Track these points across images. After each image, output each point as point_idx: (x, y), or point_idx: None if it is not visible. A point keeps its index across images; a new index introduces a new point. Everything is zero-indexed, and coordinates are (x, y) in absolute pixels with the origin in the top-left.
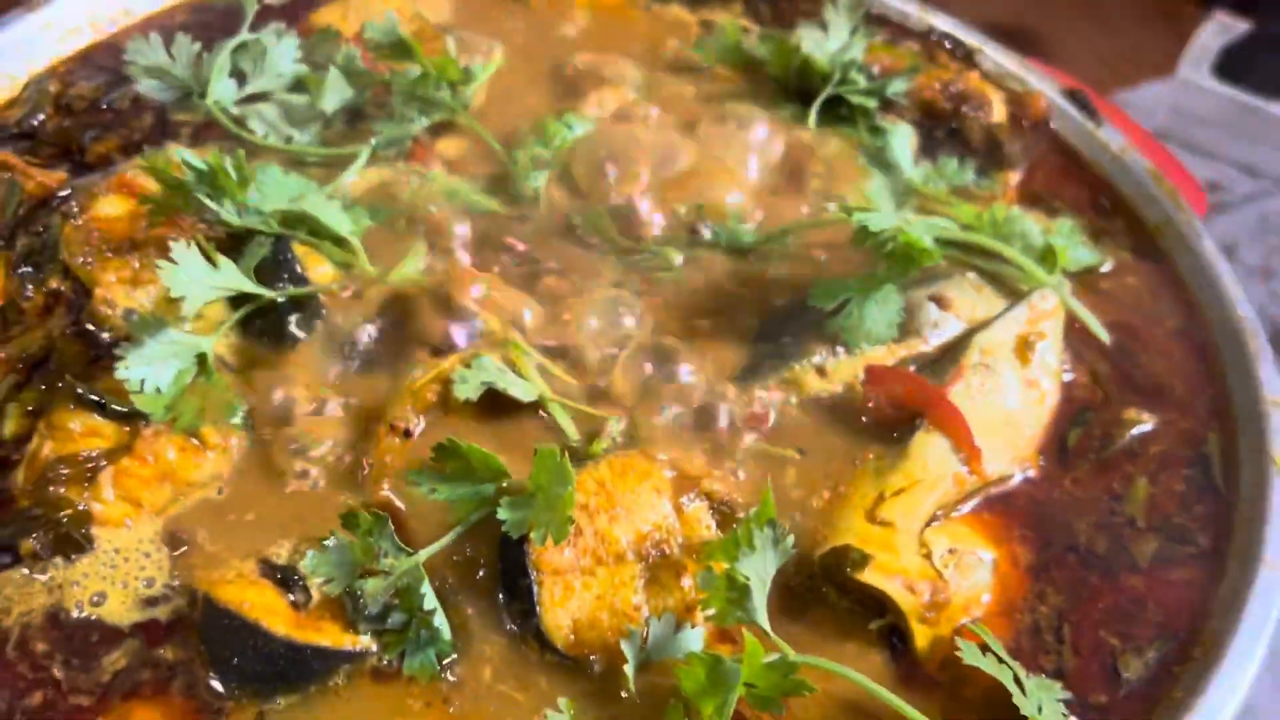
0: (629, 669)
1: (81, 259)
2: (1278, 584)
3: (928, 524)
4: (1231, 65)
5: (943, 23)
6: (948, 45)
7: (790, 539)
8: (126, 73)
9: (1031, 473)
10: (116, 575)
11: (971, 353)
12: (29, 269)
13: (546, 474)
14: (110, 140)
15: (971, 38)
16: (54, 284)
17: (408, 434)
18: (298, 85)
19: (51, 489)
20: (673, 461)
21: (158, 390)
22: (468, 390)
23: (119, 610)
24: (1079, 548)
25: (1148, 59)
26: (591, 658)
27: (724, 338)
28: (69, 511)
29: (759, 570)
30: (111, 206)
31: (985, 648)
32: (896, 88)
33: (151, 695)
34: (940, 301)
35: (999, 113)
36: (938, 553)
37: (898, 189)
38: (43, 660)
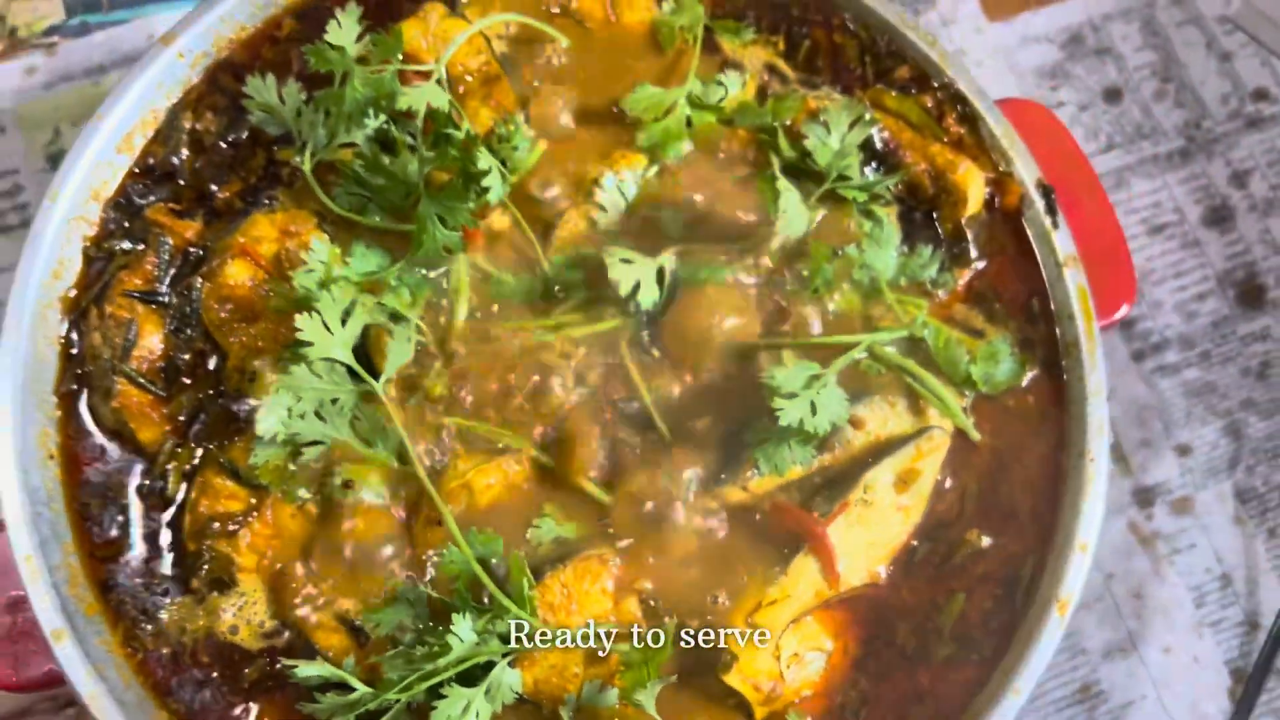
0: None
1: (217, 323)
2: (1012, 710)
3: (786, 628)
4: None
5: (959, 75)
6: (957, 108)
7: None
8: (244, 105)
9: (882, 578)
10: (242, 613)
11: (857, 490)
12: (182, 328)
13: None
14: (234, 183)
15: (979, 101)
16: (199, 345)
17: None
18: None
19: (208, 543)
20: (618, 565)
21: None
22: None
23: (248, 640)
24: (895, 644)
25: None
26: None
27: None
28: (220, 558)
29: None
30: (236, 271)
31: None
32: (889, 183)
33: (272, 698)
34: (855, 423)
35: (975, 203)
36: (785, 653)
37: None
38: (207, 668)
